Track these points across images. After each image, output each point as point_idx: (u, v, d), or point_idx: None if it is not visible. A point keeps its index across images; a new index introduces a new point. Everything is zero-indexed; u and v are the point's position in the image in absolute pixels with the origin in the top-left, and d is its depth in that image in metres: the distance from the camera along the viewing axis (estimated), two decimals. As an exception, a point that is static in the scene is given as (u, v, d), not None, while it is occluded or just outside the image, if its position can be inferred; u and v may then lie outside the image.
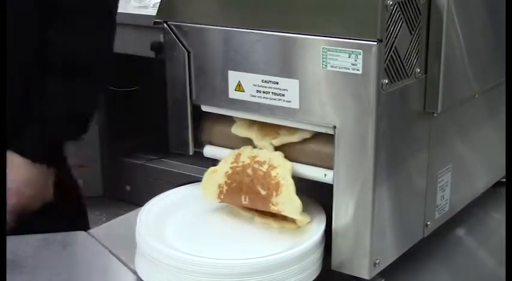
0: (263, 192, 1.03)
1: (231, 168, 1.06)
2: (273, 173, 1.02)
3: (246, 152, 1.06)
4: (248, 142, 1.07)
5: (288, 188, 1.01)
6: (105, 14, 1.34)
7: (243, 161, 1.05)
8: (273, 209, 1.03)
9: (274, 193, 1.02)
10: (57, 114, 1.30)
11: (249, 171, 1.04)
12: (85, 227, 1.35)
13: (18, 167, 1.26)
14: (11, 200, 1.24)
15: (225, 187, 1.06)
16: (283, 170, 1.02)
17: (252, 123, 1.07)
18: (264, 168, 1.03)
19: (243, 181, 1.05)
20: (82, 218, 1.48)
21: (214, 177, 1.08)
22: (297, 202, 1.01)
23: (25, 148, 1.28)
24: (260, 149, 1.05)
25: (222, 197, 1.07)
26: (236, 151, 1.07)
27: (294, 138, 1.03)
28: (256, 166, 1.04)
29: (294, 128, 1.03)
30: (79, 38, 1.31)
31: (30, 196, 1.28)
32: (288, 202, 1.01)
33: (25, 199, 1.27)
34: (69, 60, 1.30)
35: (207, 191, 1.08)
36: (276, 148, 1.05)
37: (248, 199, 1.05)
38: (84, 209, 1.49)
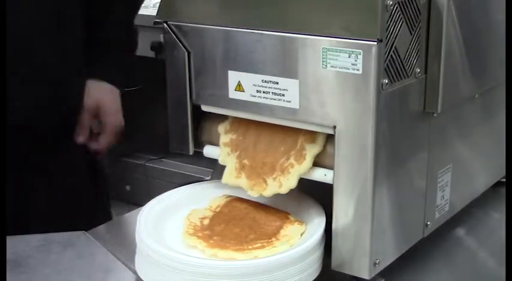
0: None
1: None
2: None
3: None
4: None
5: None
6: None
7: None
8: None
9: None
10: (122, 39, 1.51)
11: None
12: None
13: (110, 91, 1.48)
14: (117, 119, 1.49)
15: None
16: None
17: (240, 171, 1.07)
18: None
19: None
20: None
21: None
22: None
23: (108, 74, 1.48)
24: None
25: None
26: None
27: (282, 190, 1.03)
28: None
29: (279, 176, 1.03)
30: None
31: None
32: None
33: (119, 121, 1.50)
34: None
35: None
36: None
37: None
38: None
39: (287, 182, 1.03)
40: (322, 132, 1.01)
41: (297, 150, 1.03)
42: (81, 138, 1.45)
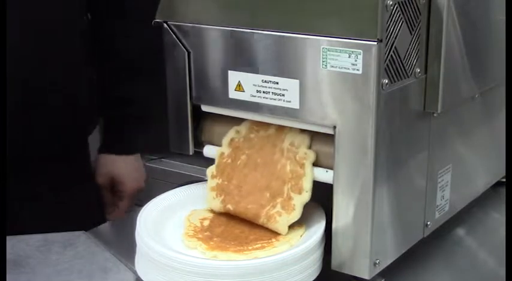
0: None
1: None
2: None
3: None
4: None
5: None
6: None
7: None
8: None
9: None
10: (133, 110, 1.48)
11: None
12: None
13: (122, 161, 1.49)
14: (133, 185, 1.49)
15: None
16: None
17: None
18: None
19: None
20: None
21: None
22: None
23: (118, 148, 1.49)
24: None
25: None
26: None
27: None
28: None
29: (265, 224, 1.03)
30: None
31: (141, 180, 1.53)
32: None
33: (140, 184, 1.52)
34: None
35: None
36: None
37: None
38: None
39: (276, 230, 1.03)
40: (308, 177, 1.01)
41: (284, 198, 1.01)
42: (108, 212, 1.51)
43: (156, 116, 1.48)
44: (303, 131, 1.03)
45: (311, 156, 1.02)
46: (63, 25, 1.35)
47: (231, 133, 1.09)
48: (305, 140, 1.03)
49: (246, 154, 1.06)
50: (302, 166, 1.01)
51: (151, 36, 1.36)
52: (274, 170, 1.03)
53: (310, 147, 1.03)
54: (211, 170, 1.09)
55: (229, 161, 1.08)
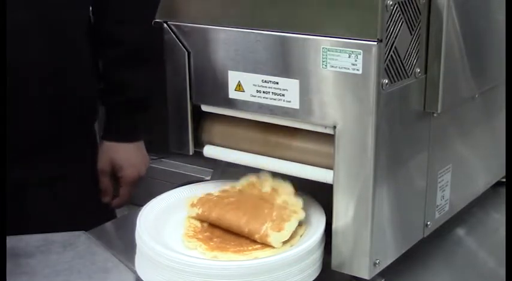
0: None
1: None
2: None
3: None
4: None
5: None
6: None
7: None
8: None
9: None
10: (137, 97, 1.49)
11: None
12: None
13: (122, 149, 1.51)
14: (133, 172, 1.52)
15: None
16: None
17: None
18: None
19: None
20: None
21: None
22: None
23: (119, 135, 1.51)
24: None
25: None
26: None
27: None
28: None
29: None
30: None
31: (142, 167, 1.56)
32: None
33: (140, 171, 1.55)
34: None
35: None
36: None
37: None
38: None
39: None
40: (292, 226, 1.00)
41: (261, 235, 1.00)
42: (106, 200, 1.53)
43: (156, 104, 1.49)
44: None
45: (301, 215, 1.02)
46: (73, 21, 1.37)
47: (226, 186, 1.10)
48: (298, 203, 1.03)
49: (236, 198, 1.06)
50: (288, 218, 1.01)
51: (151, 27, 1.37)
52: (260, 213, 1.02)
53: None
54: (191, 199, 1.08)
55: (215, 198, 1.07)
